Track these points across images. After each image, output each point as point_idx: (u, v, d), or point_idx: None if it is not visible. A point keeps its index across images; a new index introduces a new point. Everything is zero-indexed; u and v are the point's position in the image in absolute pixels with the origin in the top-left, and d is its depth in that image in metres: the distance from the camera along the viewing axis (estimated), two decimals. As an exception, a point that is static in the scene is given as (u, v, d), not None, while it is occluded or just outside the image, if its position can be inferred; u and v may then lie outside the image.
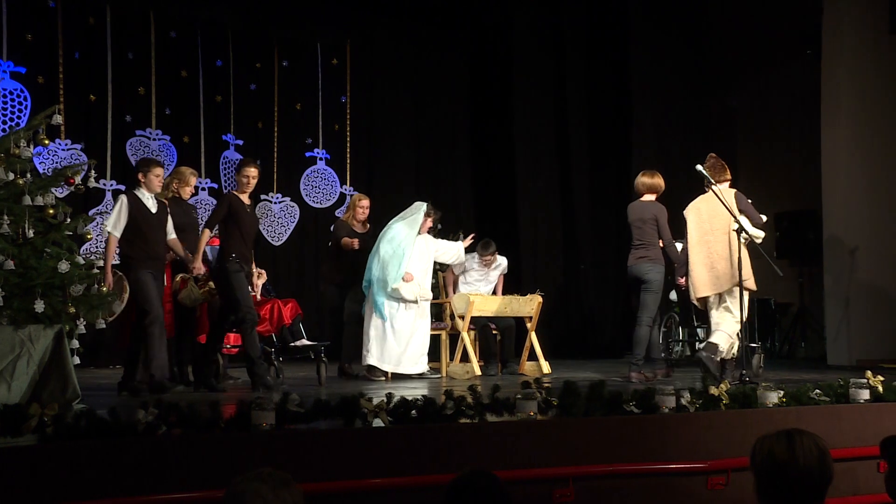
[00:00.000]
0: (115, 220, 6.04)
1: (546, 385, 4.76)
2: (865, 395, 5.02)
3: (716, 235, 6.41)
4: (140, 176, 6.16)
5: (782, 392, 4.88)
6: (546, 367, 7.84)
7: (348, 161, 10.74)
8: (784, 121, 10.96)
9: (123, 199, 6.12)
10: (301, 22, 10.37)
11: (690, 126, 10.73)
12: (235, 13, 9.95)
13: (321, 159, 10.62)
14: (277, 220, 10.34)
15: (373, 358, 7.23)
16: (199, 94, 9.84)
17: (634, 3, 10.72)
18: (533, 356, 7.97)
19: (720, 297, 6.46)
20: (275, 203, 10.33)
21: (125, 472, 3.55)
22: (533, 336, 7.96)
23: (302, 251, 10.53)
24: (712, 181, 6.43)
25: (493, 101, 11.44)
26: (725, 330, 6.39)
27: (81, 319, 5.16)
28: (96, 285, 5.27)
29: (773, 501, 2.45)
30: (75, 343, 5.12)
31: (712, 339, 6.41)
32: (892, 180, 8.82)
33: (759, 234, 6.49)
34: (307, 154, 10.58)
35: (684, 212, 6.73)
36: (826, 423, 4.62)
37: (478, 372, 7.47)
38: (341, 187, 10.71)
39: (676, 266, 6.99)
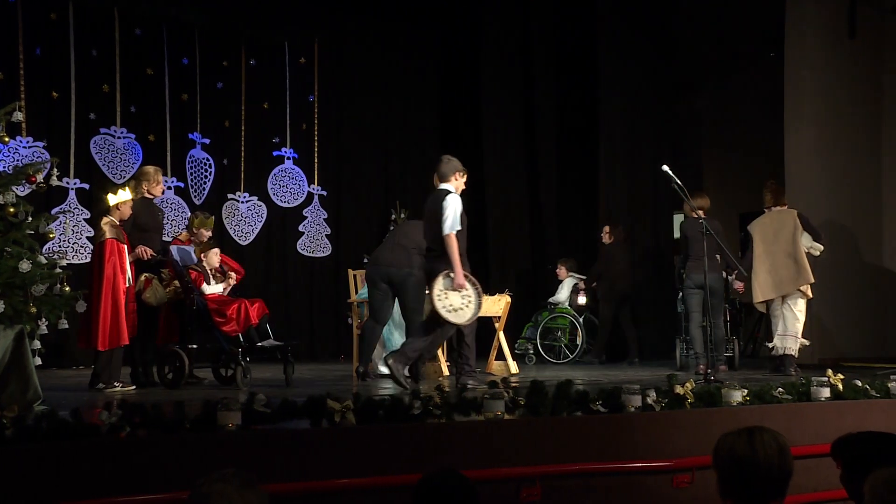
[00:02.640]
0: (455, 219, 6.11)
1: (513, 385, 4.79)
2: (826, 393, 5.11)
3: (779, 246, 7.41)
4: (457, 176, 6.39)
5: (746, 391, 4.94)
6: (514, 367, 7.87)
7: (316, 160, 10.70)
8: (748, 123, 11.09)
9: (458, 197, 6.22)
10: (268, 20, 10.30)
11: (657, 128, 10.82)
12: (202, 11, 9.83)
13: (289, 158, 10.56)
14: (244, 219, 10.26)
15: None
16: (165, 92, 9.72)
17: (602, 6, 10.80)
18: (501, 356, 7.99)
19: (783, 300, 7.38)
20: (242, 202, 10.25)
21: (88, 475, 3.50)
22: (501, 336, 7.98)
23: (269, 250, 10.46)
24: (677, 181, 6.52)
25: (461, 100, 11.46)
26: (791, 333, 7.31)
27: (43, 319, 5.09)
28: (59, 284, 5.20)
29: (734, 498, 2.48)
30: (37, 343, 5.05)
31: (787, 343, 7.29)
32: (854, 182, 8.97)
33: (819, 247, 7.53)
34: (275, 153, 10.51)
35: (748, 227, 7.70)
36: (789, 421, 4.69)
37: (446, 372, 7.47)
38: (309, 186, 10.66)
39: (736, 273, 7.70)
